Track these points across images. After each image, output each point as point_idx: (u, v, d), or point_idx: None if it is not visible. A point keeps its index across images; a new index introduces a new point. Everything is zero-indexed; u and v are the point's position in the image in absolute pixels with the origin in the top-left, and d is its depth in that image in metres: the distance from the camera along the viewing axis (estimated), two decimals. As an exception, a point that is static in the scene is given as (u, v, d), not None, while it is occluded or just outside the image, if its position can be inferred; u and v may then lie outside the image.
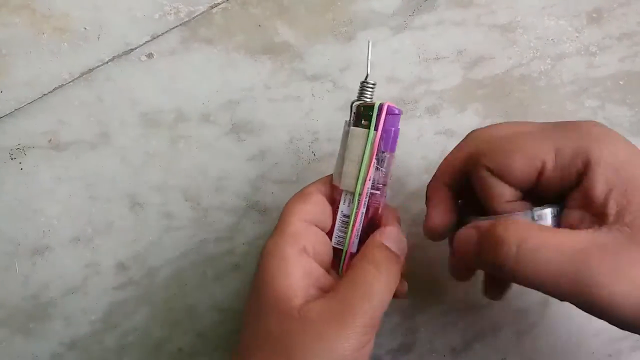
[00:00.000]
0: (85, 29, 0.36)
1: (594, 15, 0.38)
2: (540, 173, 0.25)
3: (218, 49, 0.36)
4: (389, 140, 0.28)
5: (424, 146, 0.37)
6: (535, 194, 0.26)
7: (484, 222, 0.25)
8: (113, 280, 0.36)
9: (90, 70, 0.36)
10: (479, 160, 0.26)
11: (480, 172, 0.26)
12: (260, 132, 0.36)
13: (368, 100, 0.29)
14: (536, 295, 0.37)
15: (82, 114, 0.36)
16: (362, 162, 0.28)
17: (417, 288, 0.37)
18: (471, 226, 0.26)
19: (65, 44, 0.35)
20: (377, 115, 0.28)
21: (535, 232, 0.23)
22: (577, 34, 0.38)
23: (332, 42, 0.37)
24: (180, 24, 0.36)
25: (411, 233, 0.37)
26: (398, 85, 0.37)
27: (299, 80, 0.37)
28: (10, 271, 0.35)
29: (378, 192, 0.29)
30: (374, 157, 0.28)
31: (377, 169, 0.29)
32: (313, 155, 0.36)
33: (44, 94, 0.35)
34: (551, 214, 0.25)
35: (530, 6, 0.38)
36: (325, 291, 0.27)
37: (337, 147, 0.37)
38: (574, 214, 0.24)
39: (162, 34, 0.36)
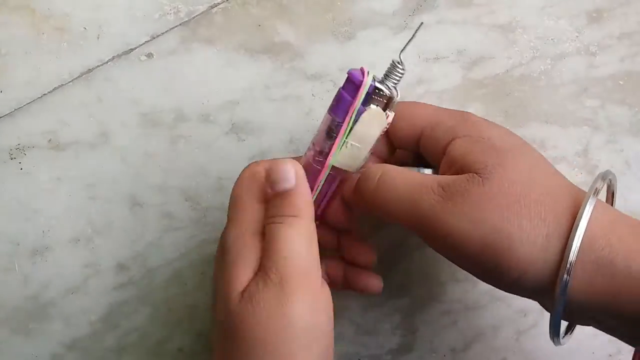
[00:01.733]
0: (85, 29, 0.36)
1: (594, 15, 0.38)
2: (419, 138, 0.29)
3: (218, 49, 0.36)
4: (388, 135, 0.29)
5: (424, 146, 0.37)
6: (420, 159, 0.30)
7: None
8: (113, 281, 0.36)
9: (90, 70, 0.36)
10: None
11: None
12: (260, 132, 0.36)
13: (391, 86, 0.28)
14: (536, 295, 0.37)
15: (82, 114, 0.36)
16: (364, 141, 0.28)
17: (417, 288, 0.37)
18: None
19: (65, 44, 0.35)
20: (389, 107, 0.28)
21: (395, 169, 0.27)
22: (577, 34, 0.38)
23: (332, 41, 0.37)
24: (180, 24, 0.36)
25: (410, 232, 0.37)
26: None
27: (299, 80, 0.37)
28: (10, 271, 0.35)
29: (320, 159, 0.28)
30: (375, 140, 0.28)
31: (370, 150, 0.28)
32: (313, 155, 0.36)
33: (44, 94, 0.35)
34: (432, 172, 0.29)
35: (530, 6, 0.38)
36: None
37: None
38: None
39: (162, 33, 0.36)
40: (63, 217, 0.35)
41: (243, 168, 0.30)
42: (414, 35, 0.28)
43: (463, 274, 0.37)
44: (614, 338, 0.27)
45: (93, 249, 0.36)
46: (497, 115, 0.37)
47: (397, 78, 0.28)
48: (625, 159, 0.38)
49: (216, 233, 0.36)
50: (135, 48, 0.36)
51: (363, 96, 0.27)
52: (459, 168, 0.26)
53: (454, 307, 0.37)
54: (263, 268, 0.25)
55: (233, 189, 0.29)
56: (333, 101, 0.28)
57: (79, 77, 0.36)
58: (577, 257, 0.23)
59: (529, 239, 0.24)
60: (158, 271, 0.36)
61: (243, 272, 0.25)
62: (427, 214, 0.25)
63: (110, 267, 0.36)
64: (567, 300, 0.24)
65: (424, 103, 0.31)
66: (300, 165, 0.27)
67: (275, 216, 0.26)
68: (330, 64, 0.37)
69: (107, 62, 0.36)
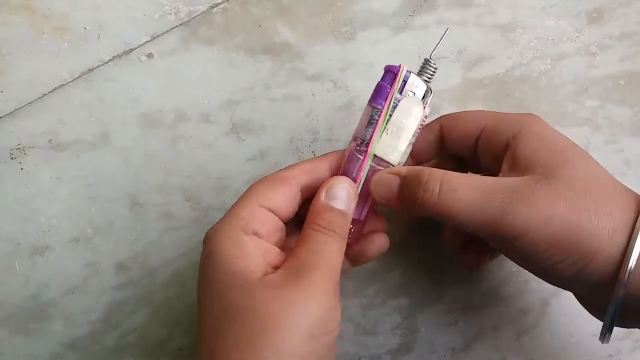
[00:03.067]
0: (85, 29, 0.36)
1: (594, 15, 0.38)
2: (478, 136, 0.30)
3: (218, 49, 0.36)
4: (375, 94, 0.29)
5: (424, 146, 0.37)
6: (473, 163, 0.31)
7: (400, 168, 0.29)
8: (113, 280, 0.36)
9: (90, 70, 0.36)
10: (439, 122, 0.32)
11: (434, 125, 0.31)
12: (260, 132, 0.36)
13: (426, 78, 0.29)
14: (536, 295, 0.37)
15: (82, 114, 0.36)
16: (403, 129, 0.29)
17: (417, 288, 0.37)
18: (388, 171, 0.29)
19: (65, 44, 0.35)
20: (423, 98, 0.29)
21: (456, 175, 0.27)
22: (577, 34, 0.38)
23: (332, 42, 0.37)
24: (180, 24, 0.36)
25: (411, 232, 0.37)
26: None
27: (299, 80, 0.37)
28: (10, 271, 0.35)
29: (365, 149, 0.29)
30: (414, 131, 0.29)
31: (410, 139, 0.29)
32: (313, 155, 0.36)
33: (44, 94, 0.35)
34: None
35: (531, 6, 0.38)
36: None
37: (337, 147, 0.37)
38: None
39: (162, 33, 0.36)
40: (63, 217, 0.35)
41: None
42: (442, 37, 0.30)
43: (463, 274, 0.37)
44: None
45: (93, 249, 0.36)
46: (497, 115, 0.37)
47: (430, 74, 0.29)
48: (625, 159, 0.38)
49: (216, 233, 0.36)
50: (136, 48, 0.36)
51: (400, 82, 0.28)
52: (524, 166, 0.27)
53: (454, 307, 0.37)
54: (295, 267, 0.26)
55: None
56: (372, 93, 0.29)
57: (79, 77, 0.36)
58: None
59: (595, 231, 0.25)
60: (158, 271, 0.36)
61: (253, 262, 0.26)
62: (497, 218, 0.25)
63: (110, 267, 0.36)
64: (625, 294, 0.24)
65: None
66: (355, 187, 0.29)
67: (322, 226, 0.27)
68: (330, 64, 0.37)
69: (107, 62, 0.36)
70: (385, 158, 0.29)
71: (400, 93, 0.29)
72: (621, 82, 0.38)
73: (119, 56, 0.36)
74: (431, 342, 0.37)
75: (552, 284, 0.28)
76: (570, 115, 0.37)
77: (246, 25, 0.36)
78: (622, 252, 0.24)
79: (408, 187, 0.28)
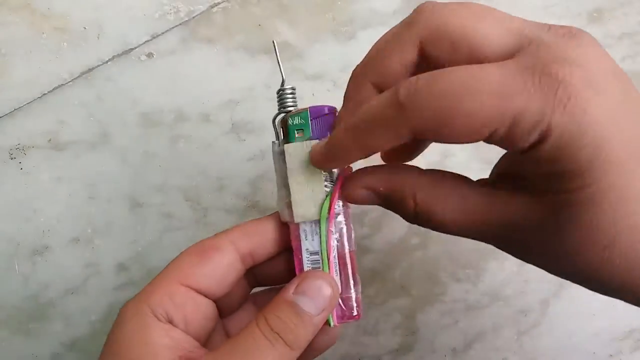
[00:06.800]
0: (85, 28, 0.35)
1: (594, 14, 0.38)
2: (486, 139, 0.19)
3: (218, 48, 0.36)
4: None
5: (424, 146, 0.37)
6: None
7: (375, 183, 0.23)
8: (113, 281, 0.36)
9: (90, 70, 0.35)
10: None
11: (408, 42, 0.21)
12: (260, 132, 0.36)
13: (292, 108, 0.25)
14: (536, 295, 0.37)
15: (82, 113, 0.35)
16: (314, 181, 0.24)
17: (417, 288, 0.37)
18: (362, 186, 0.23)
19: (65, 43, 0.35)
20: (311, 120, 0.24)
21: (440, 191, 0.22)
22: (577, 34, 0.38)
23: (332, 41, 0.37)
24: (180, 24, 0.36)
25: (410, 232, 0.37)
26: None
27: (299, 79, 0.37)
28: (10, 271, 0.35)
29: (341, 213, 0.24)
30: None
31: (325, 179, 0.24)
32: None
33: (44, 94, 0.35)
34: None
35: (531, 6, 0.38)
36: None
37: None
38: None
39: (162, 33, 0.36)
40: (63, 217, 0.35)
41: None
42: (276, 52, 0.26)
43: (463, 273, 0.37)
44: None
45: (93, 249, 0.35)
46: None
47: (291, 98, 0.26)
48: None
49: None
50: (136, 48, 0.36)
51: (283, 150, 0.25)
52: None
53: (454, 307, 0.37)
54: None
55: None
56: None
57: (79, 77, 0.35)
58: None
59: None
60: (158, 271, 0.36)
61: (153, 355, 0.21)
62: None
63: (110, 267, 0.36)
64: None
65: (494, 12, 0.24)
66: (338, 289, 0.23)
67: (269, 325, 0.22)
68: (330, 64, 0.37)
69: (107, 62, 0.36)
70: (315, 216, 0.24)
71: (286, 142, 0.25)
72: (622, 82, 0.38)
73: (118, 56, 0.36)
74: (431, 342, 0.37)
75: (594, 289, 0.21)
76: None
77: (246, 25, 0.36)
78: None
79: (398, 204, 0.23)
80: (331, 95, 0.37)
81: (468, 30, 0.20)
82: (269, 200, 0.36)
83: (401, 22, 0.22)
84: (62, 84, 0.35)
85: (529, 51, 0.19)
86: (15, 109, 0.35)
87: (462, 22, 0.20)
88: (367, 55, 0.23)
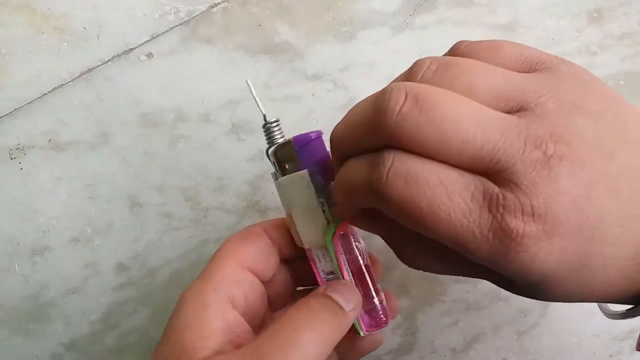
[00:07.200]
0: (85, 28, 0.35)
1: (594, 14, 0.38)
2: None
3: (218, 48, 0.36)
4: (326, 170, 0.24)
5: (424, 146, 0.37)
6: None
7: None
8: (113, 281, 0.36)
9: (90, 70, 0.35)
10: None
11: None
12: (260, 132, 0.36)
13: (280, 140, 0.25)
14: (536, 296, 0.37)
15: (82, 114, 0.35)
16: (312, 208, 0.24)
17: (417, 288, 0.37)
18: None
19: (65, 43, 0.35)
20: (297, 150, 0.24)
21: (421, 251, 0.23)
22: (577, 34, 0.38)
23: (332, 41, 0.37)
24: (180, 24, 0.36)
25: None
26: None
27: (299, 80, 0.37)
28: (10, 271, 0.35)
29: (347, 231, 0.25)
30: (317, 196, 0.24)
31: (323, 204, 0.24)
32: (313, 155, 0.36)
33: (44, 94, 0.35)
34: None
35: (531, 6, 0.38)
36: None
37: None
38: None
39: (162, 33, 0.36)
40: (63, 217, 0.35)
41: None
42: (251, 90, 0.26)
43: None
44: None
45: (93, 249, 0.35)
46: (498, 115, 0.37)
47: (277, 131, 0.26)
48: (626, 159, 0.38)
49: (216, 233, 0.36)
50: (135, 48, 0.36)
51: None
52: None
53: (454, 307, 0.37)
54: (251, 354, 0.21)
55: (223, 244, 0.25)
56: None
57: (79, 77, 0.35)
58: None
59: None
60: (158, 271, 0.36)
61: (206, 336, 0.22)
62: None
63: (110, 267, 0.36)
64: None
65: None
66: (360, 296, 0.24)
67: (312, 306, 0.22)
68: (330, 64, 0.37)
69: (107, 62, 0.36)
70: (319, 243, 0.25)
71: (281, 176, 0.25)
72: (622, 82, 0.38)
73: (118, 56, 0.36)
74: (431, 342, 0.37)
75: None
76: (570, 115, 0.37)
77: (246, 25, 0.36)
78: None
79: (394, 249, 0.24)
80: (331, 95, 0.37)
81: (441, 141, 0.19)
82: (269, 200, 0.36)
83: (370, 110, 0.19)
84: (62, 84, 0.35)
85: (494, 201, 0.18)
86: (15, 109, 0.35)
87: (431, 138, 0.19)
88: (342, 127, 0.21)
